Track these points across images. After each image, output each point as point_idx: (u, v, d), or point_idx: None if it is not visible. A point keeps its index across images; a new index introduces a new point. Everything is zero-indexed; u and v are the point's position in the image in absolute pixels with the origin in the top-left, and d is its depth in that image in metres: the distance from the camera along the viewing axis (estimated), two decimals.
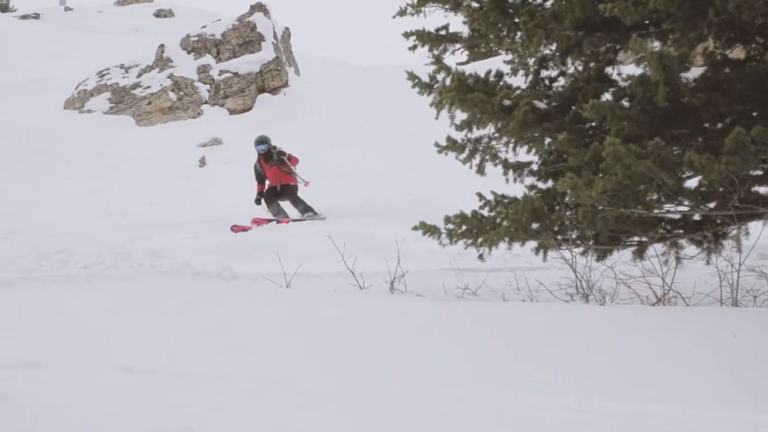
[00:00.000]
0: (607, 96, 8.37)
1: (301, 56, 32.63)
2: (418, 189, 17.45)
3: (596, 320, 6.81)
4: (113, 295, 8.92)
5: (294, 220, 16.57)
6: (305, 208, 16.93)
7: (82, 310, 7.91)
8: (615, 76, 8.63)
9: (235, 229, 15.64)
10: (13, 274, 10.79)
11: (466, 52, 23.46)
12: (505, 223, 8.59)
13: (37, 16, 42.92)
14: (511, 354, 5.92)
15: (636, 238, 8.56)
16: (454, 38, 9.65)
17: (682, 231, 8.46)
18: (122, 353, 6.11)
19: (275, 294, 8.73)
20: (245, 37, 29.00)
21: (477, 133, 8.93)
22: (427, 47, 9.60)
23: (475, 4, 9.01)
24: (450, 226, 8.93)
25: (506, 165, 9.11)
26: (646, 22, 7.96)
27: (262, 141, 17.44)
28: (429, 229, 8.97)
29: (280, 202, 17.28)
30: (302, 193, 17.47)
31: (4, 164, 20.18)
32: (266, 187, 17.43)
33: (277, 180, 17.25)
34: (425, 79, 8.85)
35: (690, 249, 8.73)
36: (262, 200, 17.40)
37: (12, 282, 10.10)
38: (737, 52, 8.16)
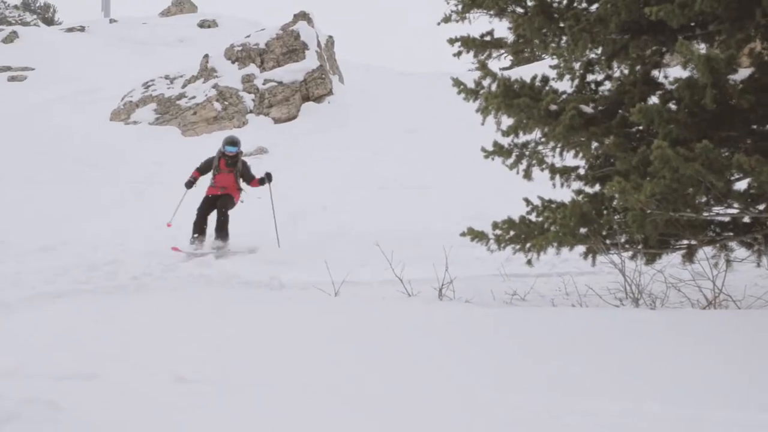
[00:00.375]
0: (654, 99, 8.34)
1: (345, 63, 32.74)
2: (466, 195, 17.43)
3: (647, 324, 6.77)
4: (163, 307, 8.98)
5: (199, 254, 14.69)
6: (220, 230, 15.21)
7: (133, 321, 7.97)
8: (661, 79, 8.60)
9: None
10: (65, 285, 10.91)
11: (510, 58, 23.49)
12: (553, 228, 8.58)
13: (82, 29, 43.38)
14: (560, 360, 5.90)
15: (685, 242, 8.52)
16: (498, 44, 9.65)
17: (731, 233, 8.41)
18: (174, 363, 6.15)
19: (323, 302, 8.75)
20: (289, 46, 29.12)
21: (523, 138, 8.95)
22: (471, 53, 9.61)
23: (519, 10, 9.02)
24: (498, 231, 8.94)
25: (553, 170, 9.11)
26: (692, 24, 7.93)
27: (234, 143, 15.72)
28: (477, 235, 8.98)
29: (208, 218, 15.51)
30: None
31: (51, 176, 20.38)
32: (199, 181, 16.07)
33: (222, 187, 15.61)
34: (470, 85, 8.87)
35: (740, 251, 8.68)
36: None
37: (64, 293, 10.20)
38: None
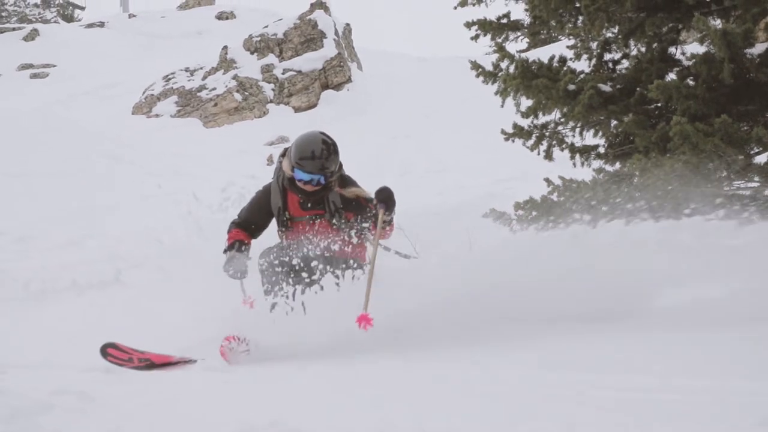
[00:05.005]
0: (671, 76, 8.37)
1: (363, 51, 32.71)
2: (491, 177, 17.44)
3: None
4: (190, 297, 9.04)
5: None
6: None
7: (162, 314, 8.01)
8: (678, 56, 8.62)
9: None
10: (91, 279, 10.97)
11: (527, 40, 23.38)
12: (574, 207, 8.62)
13: (102, 25, 43.49)
14: (594, 336, 5.93)
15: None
16: (515, 26, 9.70)
17: (753, 207, 8.43)
18: (204, 354, 6.21)
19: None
20: (307, 35, 29.16)
21: (543, 119, 8.99)
22: (489, 36, 9.66)
23: None
24: (520, 212, 8.98)
25: (573, 149, 9.15)
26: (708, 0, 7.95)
27: (313, 156, 7.13)
28: (499, 216, 9.03)
29: None
30: None
31: (75, 170, 20.44)
32: None
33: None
34: (488, 68, 8.92)
35: None
36: None
37: (90, 287, 10.25)
38: None
